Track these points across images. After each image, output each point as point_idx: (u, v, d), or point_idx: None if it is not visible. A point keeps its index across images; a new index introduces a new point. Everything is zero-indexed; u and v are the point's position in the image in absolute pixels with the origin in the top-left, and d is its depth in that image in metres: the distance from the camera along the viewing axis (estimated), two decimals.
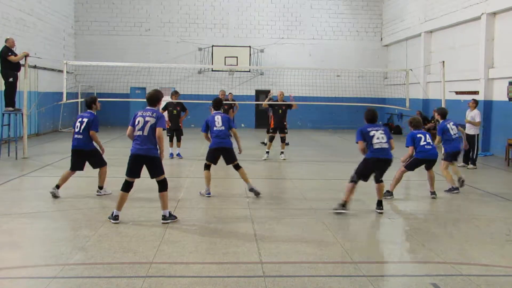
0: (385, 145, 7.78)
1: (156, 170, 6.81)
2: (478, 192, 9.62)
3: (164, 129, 6.92)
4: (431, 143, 8.89)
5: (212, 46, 24.49)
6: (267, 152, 13.45)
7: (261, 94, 25.46)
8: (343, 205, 7.62)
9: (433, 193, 8.98)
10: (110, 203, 7.91)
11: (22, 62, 12.87)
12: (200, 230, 6.52)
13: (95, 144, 8.31)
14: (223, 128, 8.55)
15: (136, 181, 8.97)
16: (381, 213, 7.66)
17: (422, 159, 8.99)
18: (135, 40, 24.98)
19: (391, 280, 5.01)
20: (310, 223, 7.01)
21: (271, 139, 13.50)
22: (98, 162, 8.48)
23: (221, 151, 8.59)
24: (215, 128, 8.53)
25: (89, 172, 11.00)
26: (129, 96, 23.86)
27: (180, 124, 13.43)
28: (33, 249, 5.72)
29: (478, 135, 12.92)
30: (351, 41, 25.94)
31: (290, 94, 14.83)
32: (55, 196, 8.17)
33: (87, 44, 24.60)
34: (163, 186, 6.84)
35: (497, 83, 15.66)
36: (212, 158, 8.66)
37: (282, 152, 13.43)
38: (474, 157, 12.73)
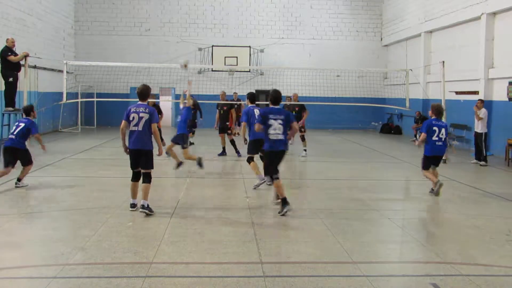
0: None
1: (147, 163, 7.29)
2: (478, 192, 9.62)
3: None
4: (443, 139, 9.02)
5: (212, 46, 24.49)
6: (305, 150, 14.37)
7: (261, 94, 25.48)
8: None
9: (432, 190, 8.96)
10: (110, 203, 7.91)
11: (22, 62, 12.86)
12: (200, 230, 6.52)
13: (26, 143, 9.35)
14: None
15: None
16: None
17: (430, 157, 9.16)
18: (135, 40, 24.98)
19: (391, 280, 5.00)
20: (310, 223, 7.01)
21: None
22: (27, 161, 9.31)
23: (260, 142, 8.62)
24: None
25: (89, 172, 11.02)
26: (129, 96, 23.81)
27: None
28: (33, 249, 5.72)
29: (485, 133, 13.30)
30: (351, 41, 25.94)
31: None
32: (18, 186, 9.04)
33: (87, 44, 24.59)
34: (148, 179, 7.29)
35: (497, 83, 15.66)
36: (254, 150, 9.38)
37: (305, 149, 14.40)
38: (485, 154, 13.25)
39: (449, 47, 18.88)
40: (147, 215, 7.11)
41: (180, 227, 6.62)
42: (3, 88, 12.89)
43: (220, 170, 11.64)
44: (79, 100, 21.09)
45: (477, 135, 13.37)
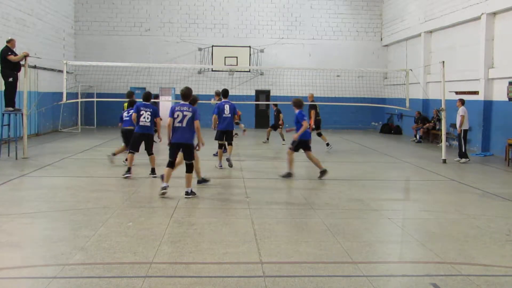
0: None
1: (190, 155, 8.36)
2: (478, 192, 9.62)
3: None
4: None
5: (212, 46, 24.49)
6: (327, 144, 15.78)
7: (261, 94, 25.49)
8: None
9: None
10: (110, 203, 7.92)
11: (22, 62, 12.86)
12: (200, 230, 6.52)
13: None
14: (229, 115, 11.63)
15: (136, 182, 8.90)
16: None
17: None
18: (135, 40, 24.98)
19: (391, 280, 5.00)
20: (310, 223, 7.01)
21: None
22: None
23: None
24: (223, 115, 11.54)
25: (89, 172, 11.02)
26: None
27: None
28: (33, 249, 5.71)
29: (465, 130, 13.80)
30: (351, 41, 25.94)
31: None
32: None
33: (87, 44, 24.60)
34: (190, 169, 8.36)
35: (497, 83, 15.66)
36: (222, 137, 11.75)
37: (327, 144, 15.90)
38: (463, 150, 13.69)
39: (449, 47, 18.88)
40: (193, 197, 8.25)
41: (180, 227, 6.62)
42: (3, 88, 12.88)
43: (220, 170, 11.63)
44: (79, 100, 21.09)
45: (458, 133, 13.95)
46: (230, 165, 11.54)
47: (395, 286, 4.92)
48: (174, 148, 8.33)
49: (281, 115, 18.26)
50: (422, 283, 4.82)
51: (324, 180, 10.46)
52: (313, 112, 15.58)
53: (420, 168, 12.61)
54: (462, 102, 13.98)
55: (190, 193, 8.31)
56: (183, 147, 8.29)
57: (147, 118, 10.06)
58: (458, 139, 13.99)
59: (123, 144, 11.55)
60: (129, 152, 10.28)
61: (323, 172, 10.54)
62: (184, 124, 8.18)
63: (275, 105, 19.22)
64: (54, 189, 9.09)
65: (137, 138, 10.24)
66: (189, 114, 8.18)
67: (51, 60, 19.45)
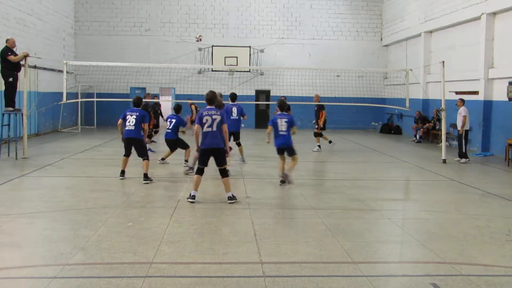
0: None
1: (222, 160, 8.15)
2: (478, 192, 9.62)
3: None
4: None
5: (212, 46, 24.48)
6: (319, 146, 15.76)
7: (261, 94, 25.49)
8: None
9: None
10: (110, 203, 7.92)
11: (22, 62, 12.85)
12: (200, 230, 6.52)
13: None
14: (237, 117, 12.44)
15: (136, 182, 8.90)
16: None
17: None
18: (135, 40, 24.98)
19: (391, 280, 5.00)
20: (310, 223, 7.01)
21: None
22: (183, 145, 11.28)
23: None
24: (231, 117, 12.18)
25: (89, 172, 11.02)
26: (129, 96, 23.84)
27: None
28: (33, 249, 5.71)
29: (466, 131, 13.73)
30: (351, 41, 25.93)
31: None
32: None
33: (87, 44, 24.60)
34: (225, 173, 8.17)
35: (497, 83, 15.66)
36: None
37: (330, 141, 16.43)
38: (464, 150, 13.66)
39: (449, 47, 18.87)
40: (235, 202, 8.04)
41: (180, 227, 6.62)
42: (3, 88, 12.88)
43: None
44: (79, 100, 21.08)
45: (459, 134, 13.81)
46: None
47: (395, 286, 4.93)
48: (205, 154, 8.11)
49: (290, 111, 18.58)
50: (422, 283, 4.82)
51: (324, 180, 10.46)
52: (323, 112, 15.80)
53: (420, 168, 12.61)
54: (463, 101, 13.95)
55: (232, 198, 8.10)
56: (215, 152, 8.06)
57: (132, 122, 9.78)
58: (459, 139, 13.94)
59: (169, 149, 11.96)
60: (123, 156, 10.12)
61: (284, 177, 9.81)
62: (214, 128, 7.99)
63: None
64: (54, 189, 9.09)
65: (125, 143, 10.00)
66: (218, 118, 8.04)
67: (51, 60, 19.45)
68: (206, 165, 8.18)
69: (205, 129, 7.98)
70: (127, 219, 6.97)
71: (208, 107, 8.15)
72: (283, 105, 10.09)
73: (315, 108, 16.19)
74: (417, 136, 19.82)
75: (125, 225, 6.68)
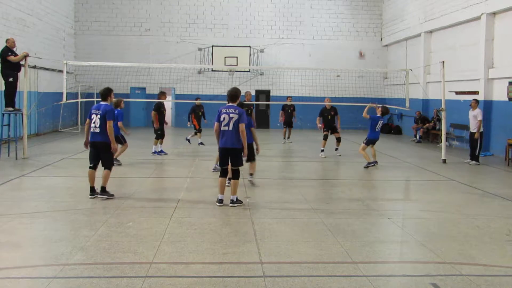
0: None
1: (238, 161, 7.85)
2: (478, 192, 9.61)
3: (247, 125, 8.01)
4: None
5: (212, 46, 24.49)
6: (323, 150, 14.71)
7: (261, 94, 25.49)
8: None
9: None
10: (110, 203, 7.91)
11: (22, 62, 12.85)
12: (200, 230, 6.52)
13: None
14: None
15: (136, 183, 8.91)
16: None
17: None
18: (135, 40, 24.99)
19: (391, 280, 5.00)
20: (310, 223, 7.01)
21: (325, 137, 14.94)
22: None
23: None
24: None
25: None
26: (129, 96, 23.87)
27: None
28: (33, 249, 5.71)
29: (481, 133, 13.17)
30: (351, 41, 25.94)
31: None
32: None
33: (87, 44, 24.60)
34: (237, 175, 7.88)
35: (497, 83, 15.66)
36: None
37: (336, 149, 15.07)
38: (477, 154, 13.24)
39: (449, 47, 18.88)
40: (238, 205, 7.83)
41: (180, 227, 6.62)
42: (3, 88, 12.88)
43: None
44: (79, 100, 21.07)
45: (471, 135, 13.35)
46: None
47: (395, 286, 4.93)
48: (223, 154, 7.86)
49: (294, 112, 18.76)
50: (422, 283, 4.82)
51: (324, 180, 10.47)
52: (338, 116, 15.07)
53: (420, 168, 12.60)
54: (477, 102, 13.37)
55: (236, 201, 7.88)
56: (230, 152, 7.77)
57: (97, 123, 8.28)
58: (472, 141, 13.24)
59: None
60: (89, 168, 8.34)
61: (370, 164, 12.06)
62: (231, 127, 7.63)
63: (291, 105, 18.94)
64: (54, 189, 9.09)
65: (90, 149, 8.36)
66: (235, 117, 7.62)
67: (51, 60, 19.45)
68: (227, 165, 7.89)
69: (222, 127, 7.69)
70: (127, 219, 6.97)
71: (228, 104, 7.84)
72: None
73: (332, 113, 14.97)
74: (417, 136, 19.83)
75: (125, 225, 6.68)
